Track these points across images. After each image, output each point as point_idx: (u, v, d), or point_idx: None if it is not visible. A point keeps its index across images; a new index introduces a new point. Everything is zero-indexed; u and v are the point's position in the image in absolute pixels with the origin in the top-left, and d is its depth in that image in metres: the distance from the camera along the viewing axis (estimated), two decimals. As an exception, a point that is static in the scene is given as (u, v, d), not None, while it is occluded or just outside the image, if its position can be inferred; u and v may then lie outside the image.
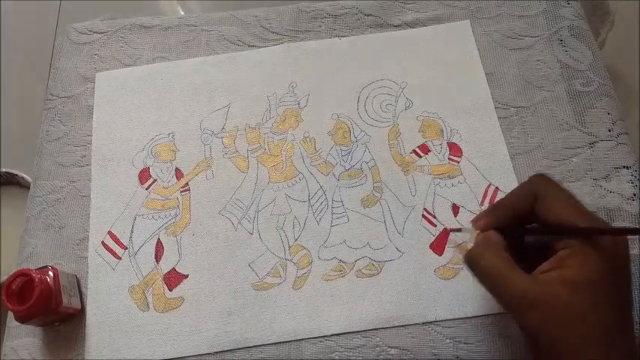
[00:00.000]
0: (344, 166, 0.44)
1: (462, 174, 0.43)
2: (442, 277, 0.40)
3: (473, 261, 0.31)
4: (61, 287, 0.38)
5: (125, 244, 0.42)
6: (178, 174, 0.45)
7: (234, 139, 0.45)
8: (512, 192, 0.33)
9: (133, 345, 0.39)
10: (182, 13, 0.71)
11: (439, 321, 0.38)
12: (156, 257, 0.42)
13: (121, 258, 0.42)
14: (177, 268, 0.41)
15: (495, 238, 0.32)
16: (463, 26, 0.48)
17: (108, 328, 0.40)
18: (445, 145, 0.44)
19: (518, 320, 0.30)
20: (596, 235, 0.29)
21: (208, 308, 0.40)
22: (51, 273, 0.38)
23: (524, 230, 0.32)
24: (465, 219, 0.41)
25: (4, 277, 0.69)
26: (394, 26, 0.49)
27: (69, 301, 0.39)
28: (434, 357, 0.37)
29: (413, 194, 0.42)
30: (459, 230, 0.39)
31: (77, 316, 0.40)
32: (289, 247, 0.41)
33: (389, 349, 0.38)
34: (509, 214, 0.32)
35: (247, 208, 0.43)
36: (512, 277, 0.29)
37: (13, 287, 0.37)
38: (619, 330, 0.29)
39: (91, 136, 0.46)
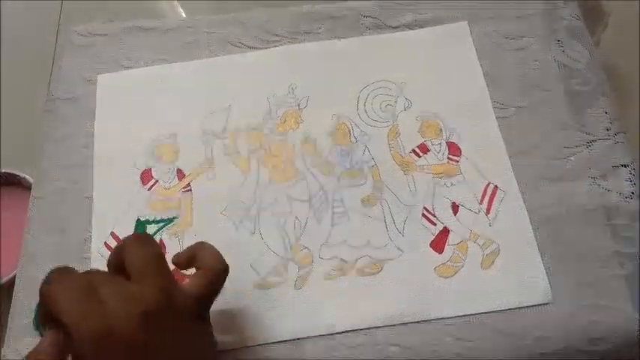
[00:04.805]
0: (344, 166, 0.44)
1: (461, 173, 0.43)
2: (442, 275, 0.40)
3: None
4: None
5: (127, 244, 0.42)
6: (180, 175, 0.45)
7: (235, 140, 0.46)
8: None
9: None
10: (183, 15, 0.72)
11: (440, 318, 0.38)
12: (158, 257, 0.42)
13: (123, 258, 0.42)
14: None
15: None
16: (461, 27, 0.49)
17: (110, 329, 0.40)
18: (444, 145, 0.44)
19: None
20: None
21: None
22: None
23: None
24: (465, 217, 0.41)
25: (4, 279, 0.69)
26: (393, 27, 0.50)
27: None
28: (435, 354, 0.38)
29: (413, 194, 0.43)
30: None
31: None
32: (290, 247, 0.41)
33: (390, 346, 0.38)
34: None
35: (249, 208, 0.43)
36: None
37: None
38: None
39: (93, 137, 0.47)
